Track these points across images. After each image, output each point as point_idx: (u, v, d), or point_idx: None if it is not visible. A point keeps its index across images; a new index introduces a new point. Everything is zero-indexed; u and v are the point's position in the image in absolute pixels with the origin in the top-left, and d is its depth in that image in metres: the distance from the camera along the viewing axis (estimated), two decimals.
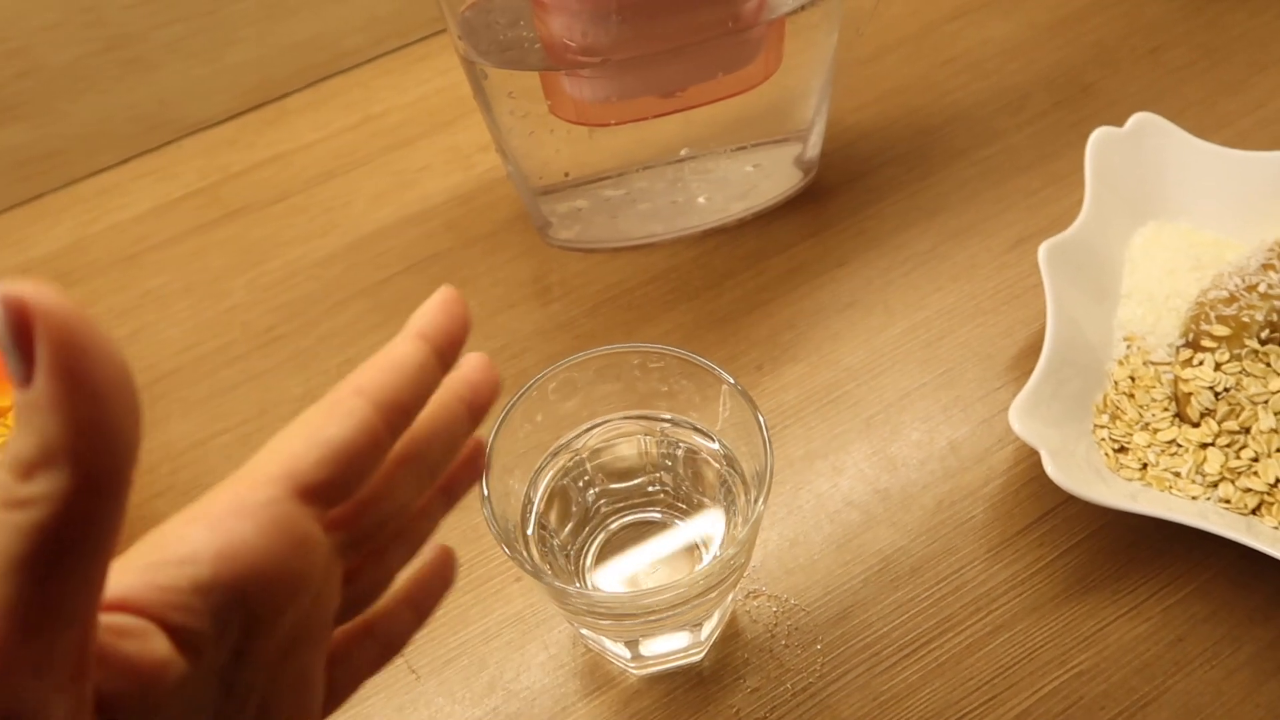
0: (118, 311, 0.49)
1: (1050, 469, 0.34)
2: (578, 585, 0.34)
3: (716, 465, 0.34)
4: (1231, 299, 0.40)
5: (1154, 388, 0.40)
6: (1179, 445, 0.38)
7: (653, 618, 0.30)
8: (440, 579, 0.26)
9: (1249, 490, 0.36)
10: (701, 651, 0.36)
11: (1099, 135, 0.44)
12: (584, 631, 0.34)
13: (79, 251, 0.52)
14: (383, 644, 0.24)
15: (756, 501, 0.29)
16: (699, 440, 0.34)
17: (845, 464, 0.41)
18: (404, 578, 0.25)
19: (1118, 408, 0.39)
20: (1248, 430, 0.37)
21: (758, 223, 0.50)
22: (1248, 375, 0.38)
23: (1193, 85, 0.54)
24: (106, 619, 0.16)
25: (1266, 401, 0.37)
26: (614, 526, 0.35)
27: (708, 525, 0.35)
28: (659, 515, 0.35)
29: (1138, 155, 0.45)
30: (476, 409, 0.23)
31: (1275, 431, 0.37)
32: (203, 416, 0.45)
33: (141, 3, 0.51)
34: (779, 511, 0.40)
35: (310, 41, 0.57)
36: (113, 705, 0.16)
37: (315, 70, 0.59)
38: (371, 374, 0.20)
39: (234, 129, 0.57)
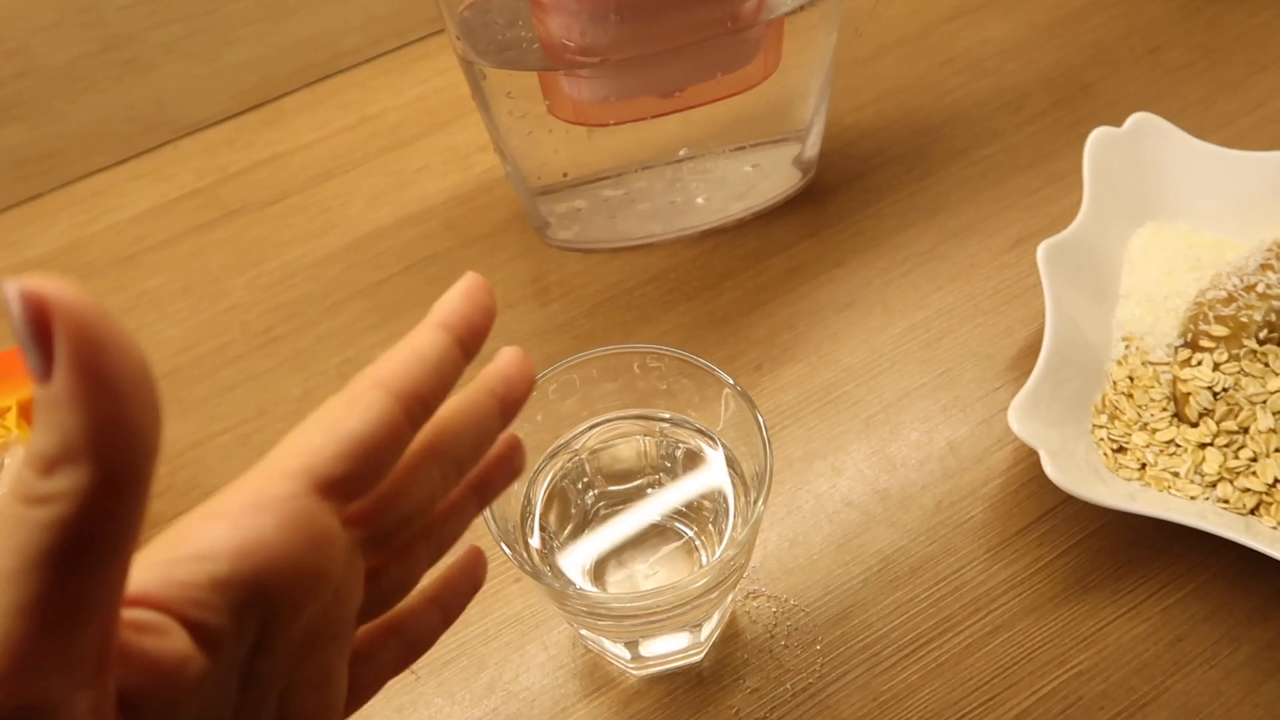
0: (116, 312, 0.49)
1: (1049, 469, 0.34)
2: (577, 586, 0.34)
3: (716, 466, 0.34)
4: (1230, 299, 0.40)
5: (1153, 388, 0.40)
6: (1178, 445, 0.38)
7: (652, 619, 0.30)
8: (469, 579, 0.26)
9: (1247, 490, 0.37)
10: (701, 652, 0.36)
11: (1098, 135, 0.44)
12: (583, 632, 0.34)
13: (76, 252, 0.52)
14: (408, 643, 0.24)
15: (756, 502, 0.29)
16: (698, 441, 0.34)
17: (844, 464, 0.41)
18: (432, 577, 0.24)
19: (1116, 408, 0.39)
20: (1246, 430, 0.37)
21: (757, 223, 0.50)
22: (1246, 375, 0.38)
23: (1192, 85, 0.54)
24: (126, 614, 0.16)
25: (1265, 401, 0.37)
26: (613, 527, 0.35)
27: (707, 526, 0.35)
28: (658, 517, 0.35)
29: (1136, 155, 0.45)
30: (509, 404, 0.22)
31: (1274, 431, 0.37)
32: (201, 417, 0.45)
33: (139, 3, 0.51)
34: (778, 512, 0.40)
35: (308, 41, 0.57)
36: (134, 702, 0.16)
37: (313, 70, 0.59)
38: (391, 365, 0.20)
39: (232, 129, 0.57)
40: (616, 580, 0.34)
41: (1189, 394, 0.38)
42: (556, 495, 0.34)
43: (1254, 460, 0.37)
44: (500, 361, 0.23)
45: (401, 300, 0.48)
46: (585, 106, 0.41)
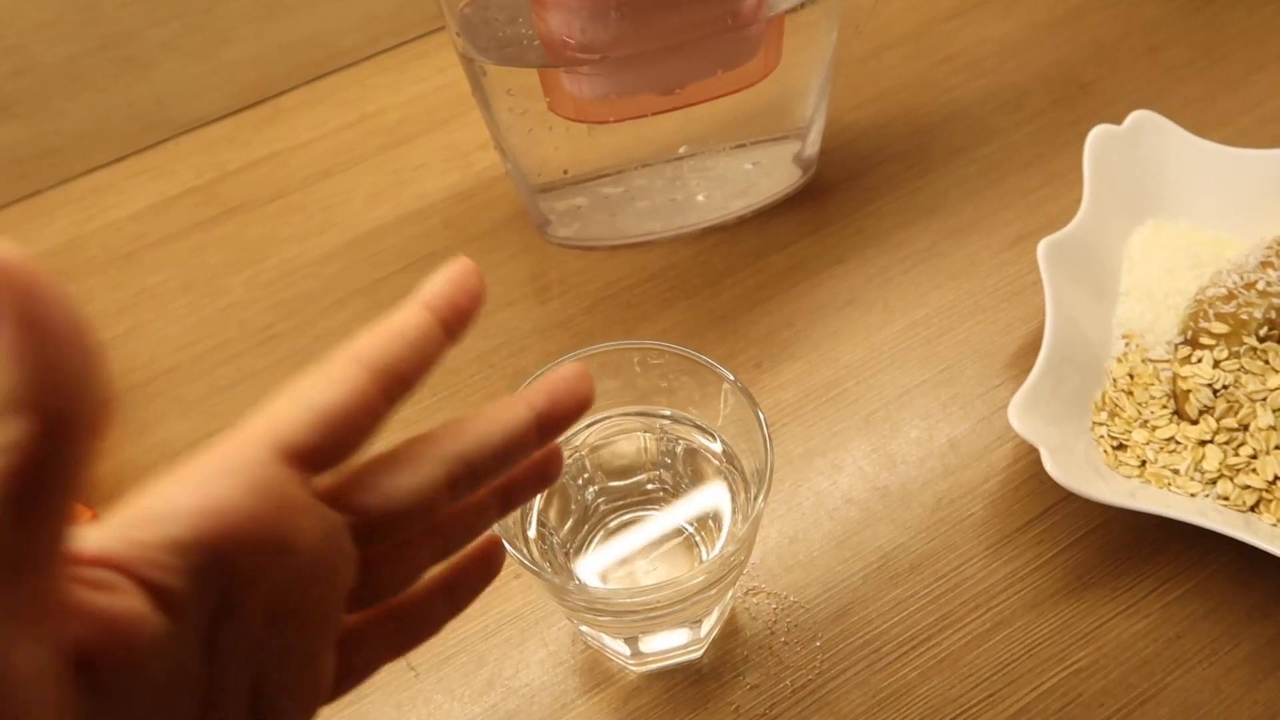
0: (114, 309, 0.49)
1: (1049, 466, 0.34)
2: (577, 582, 0.34)
3: (716, 462, 0.34)
4: (1230, 296, 0.40)
5: (1153, 385, 0.40)
6: (1178, 442, 0.38)
7: (652, 615, 0.30)
8: (484, 570, 0.25)
9: (1247, 487, 0.37)
10: (701, 648, 0.36)
11: (1098, 133, 0.44)
12: (583, 628, 0.34)
13: (75, 249, 0.52)
14: (407, 630, 0.24)
15: (756, 499, 0.29)
16: (698, 437, 0.34)
17: (844, 461, 0.41)
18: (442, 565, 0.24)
19: (1116, 405, 0.39)
20: (1246, 427, 0.37)
21: (757, 220, 0.50)
22: (1246, 372, 0.38)
23: (1191, 84, 0.54)
24: (83, 573, 0.16)
25: (1265, 399, 0.37)
26: (613, 524, 0.35)
27: (707, 523, 0.35)
28: (658, 513, 0.35)
29: (1136, 153, 0.45)
30: (550, 419, 0.22)
31: (1274, 429, 0.37)
32: (200, 415, 0.45)
33: (138, 0, 0.51)
34: (778, 509, 0.40)
35: (307, 39, 0.57)
36: (92, 661, 0.16)
37: (312, 68, 0.59)
38: (369, 341, 0.20)
39: (231, 127, 0.57)
40: (616, 576, 0.34)
41: (1189, 391, 0.38)
42: (557, 491, 0.34)
43: (1254, 457, 0.37)
44: (554, 374, 0.23)
45: (401, 298, 0.48)
46: (585, 103, 0.41)
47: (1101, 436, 0.39)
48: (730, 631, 0.37)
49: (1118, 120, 0.45)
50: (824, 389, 0.43)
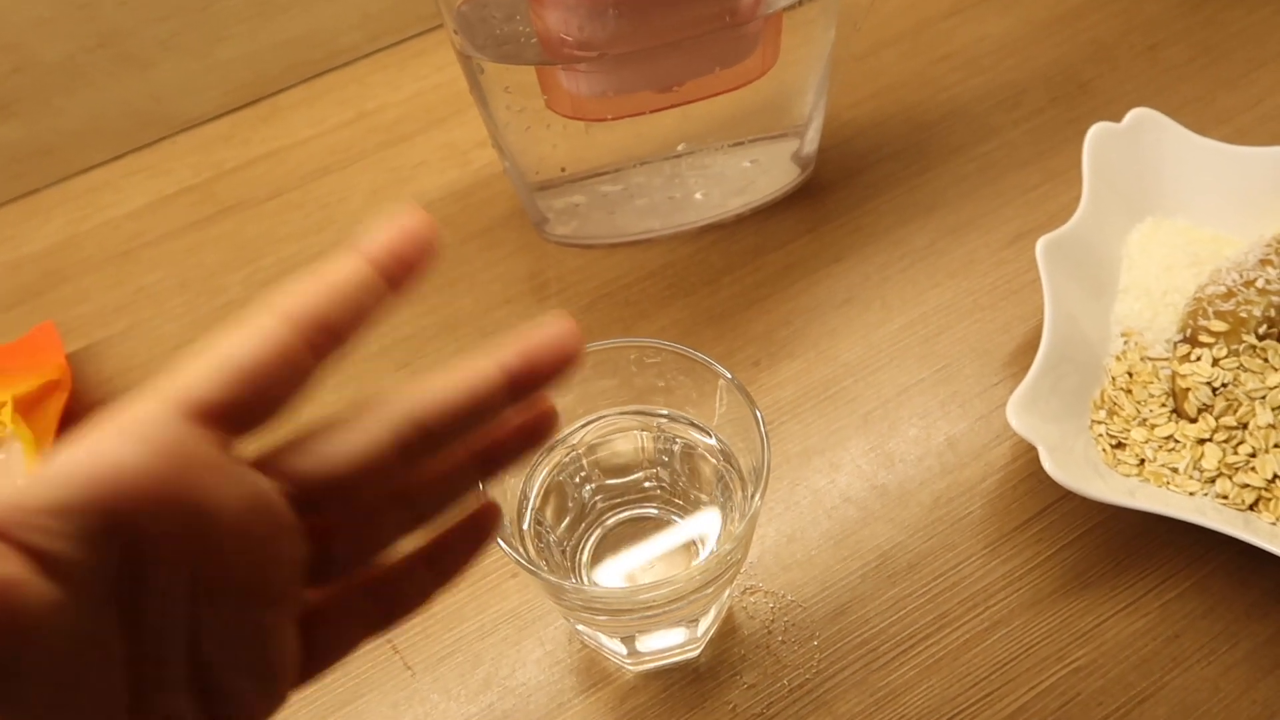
0: (111, 308, 0.49)
1: (1048, 465, 0.34)
2: (574, 581, 0.33)
3: (713, 461, 0.34)
4: (1229, 294, 0.40)
5: (1151, 383, 0.39)
6: (1176, 441, 0.38)
7: (649, 613, 0.30)
8: (474, 536, 0.23)
9: (1246, 486, 0.36)
10: (698, 648, 0.36)
11: (1097, 131, 0.44)
12: (580, 628, 0.34)
13: (72, 248, 0.52)
14: (386, 606, 0.22)
15: (753, 497, 0.29)
16: (696, 436, 0.34)
17: (842, 460, 0.41)
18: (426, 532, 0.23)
19: (1115, 403, 0.39)
20: (1245, 426, 0.37)
21: (755, 218, 0.50)
22: (1245, 370, 0.38)
23: (1191, 82, 0.54)
24: None
25: (1264, 397, 0.37)
26: (610, 522, 0.35)
27: (704, 521, 0.35)
28: (655, 511, 0.35)
29: (1135, 151, 0.44)
30: (525, 376, 0.20)
31: (1273, 427, 0.37)
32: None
33: None
34: (776, 507, 0.40)
35: (304, 38, 0.57)
36: None
37: (309, 66, 0.58)
38: (290, 292, 0.19)
39: (228, 125, 0.57)
40: (613, 575, 0.34)
41: (1188, 389, 0.38)
42: (553, 490, 0.34)
43: (1253, 456, 0.37)
44: (528, 334, 0.21)
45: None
46: (583, 101, 0.41)
47: (1100, 435, 0.39)
48: (727, 630, 0.37)
49: (1117, 118, 0.45)
50: (822, 387, 0.43)
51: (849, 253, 0.48)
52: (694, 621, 0.34)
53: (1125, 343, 0.41)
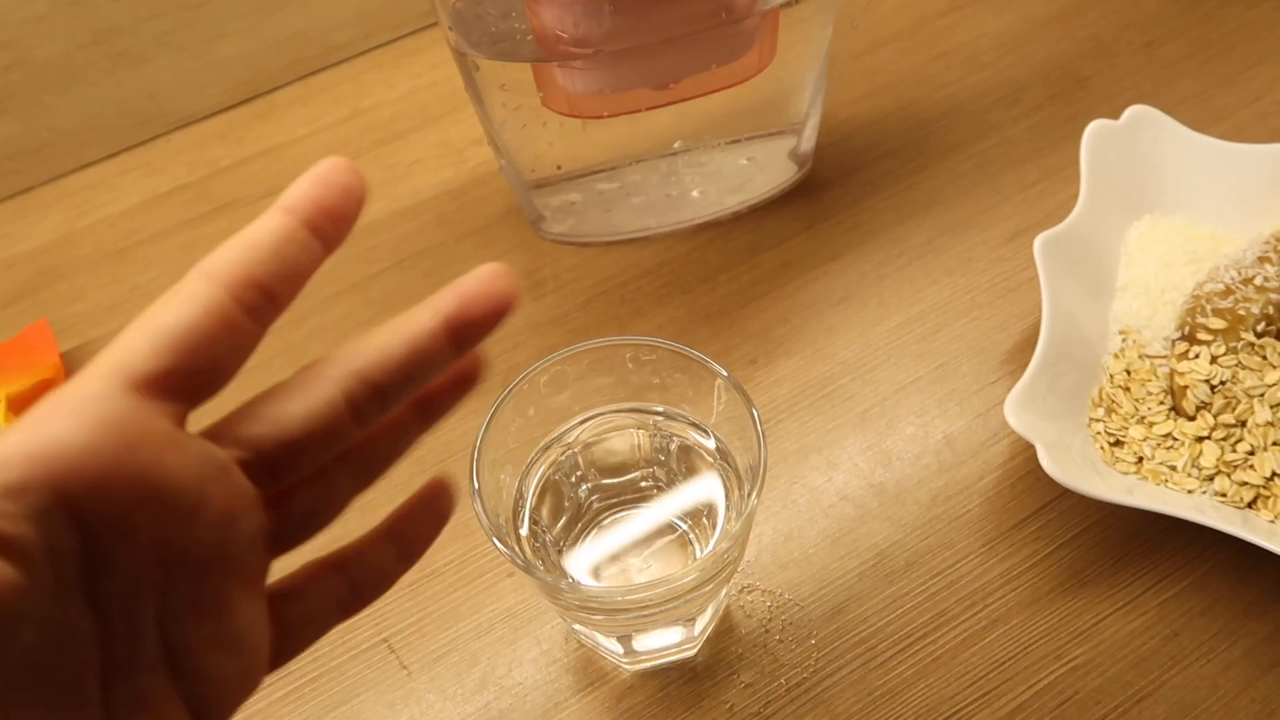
0: (106, 306, 0.49)
1: (1046, 463, 0.34)
2: (570, 580, 0.33)
3: (710, 459, 0.34)
4: (1227, 292, 0.40)
5: (1150, 381, 0.39)
6: (1175, 439, 0.38)
7: (645, 613, 0.30)
8: (432, 515, 0.23)
9: (1245, 484, 0.36)
10: (695, 647, 0.36)
11: (1095, 128, 0.44)
12: (576, 627, 0.34)
13: (67, 246, 0.52)
14: (355, 583, 0.22)
15: (750, 495, 0.29)
16: (692, 434, 0.34)
17: (840, 458, 0.41)
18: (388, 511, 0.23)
19: (1113, 401, 0.39)
20: (1244, 424, 0.37)
21: (752, 216, 0.49)
22: (1244, 368, 0.38)
23: (1189, 79, 0.54)
24: None
25: (1262, 395, 0.37)
26: (606, 522, 0.35)
27: (701, 520, 0.34)
28: (652, 510, 0.35)
29: (1134, 148, 0.44)
30: (463, 322, 0.20)
31: (1271, 425, 0.37)
32: (194, 412, 0.45)
33: None
34: (773, 506, 0.40)
35: (300, 35, 0.57)
36: None
37: (305, 64, 0.58)
38: (219, 254, 0.19)
39: (223, 123, 0.57)
40: (609, 574, 0.34)
41: (1186, 387, 0.38)
42: (549, 489, 0.34)
43: (1251, 454, 0.37)
44: (462, 282, 0.20)
45: (394, 295, 0.48)
46: (579, 99, 0.41)
47: (1098, 433, 0.39)
48: (724, 629, 0.37)
49: (1115, 115, 0.44)
50: (819, 385, 0.43)
51: (846, 250, 0.48)
52: (691, 620, 0.33)
53: (1123, 340, 0.41)
